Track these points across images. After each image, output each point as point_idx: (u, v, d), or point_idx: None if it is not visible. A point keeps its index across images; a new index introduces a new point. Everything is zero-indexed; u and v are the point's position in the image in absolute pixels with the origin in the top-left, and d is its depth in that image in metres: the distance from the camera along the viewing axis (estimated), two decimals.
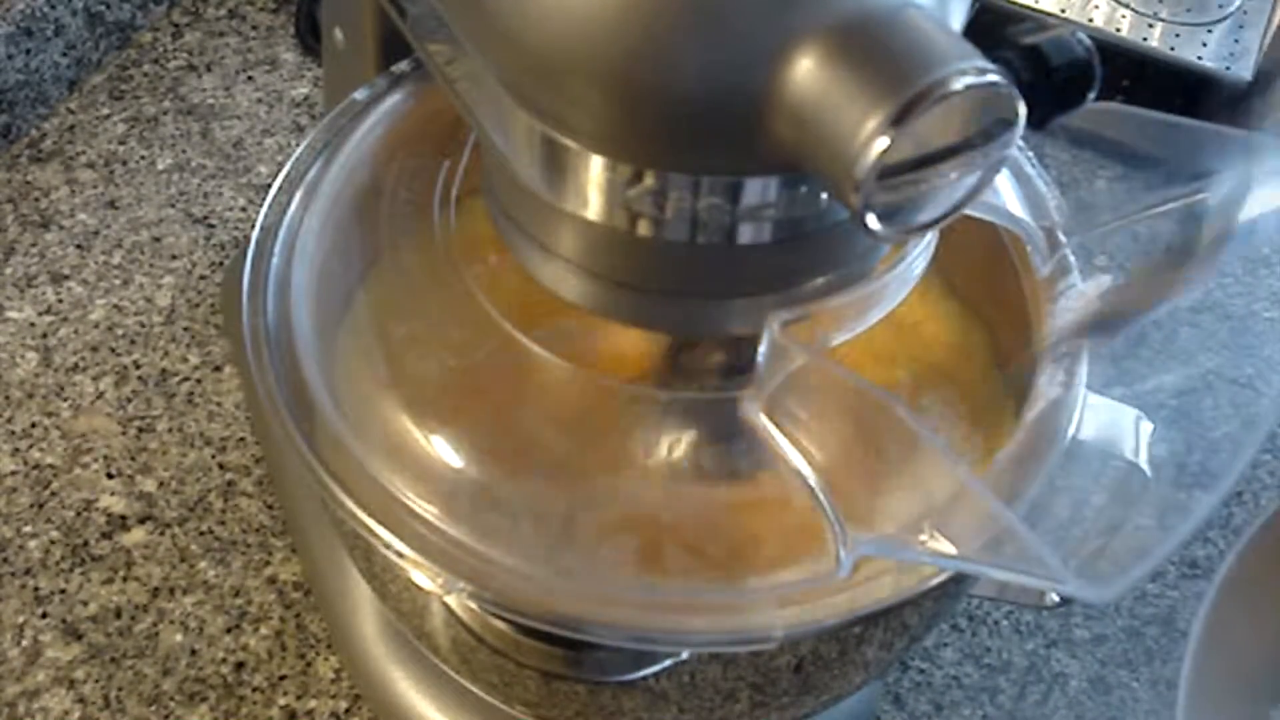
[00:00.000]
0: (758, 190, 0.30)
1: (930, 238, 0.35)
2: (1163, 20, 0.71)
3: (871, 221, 0.28)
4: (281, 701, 0.51)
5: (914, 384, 0.43)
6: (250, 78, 0.72)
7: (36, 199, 0.66)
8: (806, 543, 0.36)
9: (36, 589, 0.53)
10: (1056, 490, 0.36)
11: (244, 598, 0.54)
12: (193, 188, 0.67)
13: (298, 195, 0.42)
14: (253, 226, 0.41)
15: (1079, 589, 0.30)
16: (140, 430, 0.58)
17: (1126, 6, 0.71)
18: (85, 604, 0.53)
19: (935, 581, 0.36)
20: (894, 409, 0.32)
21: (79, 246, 0.64)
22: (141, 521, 0.55)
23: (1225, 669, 0.47)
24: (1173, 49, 0.70)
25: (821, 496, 0.32)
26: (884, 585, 0.35)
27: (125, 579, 0.54)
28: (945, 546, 0.32)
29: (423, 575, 0.36)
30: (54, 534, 0.55)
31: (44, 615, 0.53)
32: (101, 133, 0.69)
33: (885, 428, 0.33)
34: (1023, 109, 0.28)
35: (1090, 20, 0.71)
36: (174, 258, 0.64)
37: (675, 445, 0.40)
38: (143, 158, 0.68)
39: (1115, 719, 0.53)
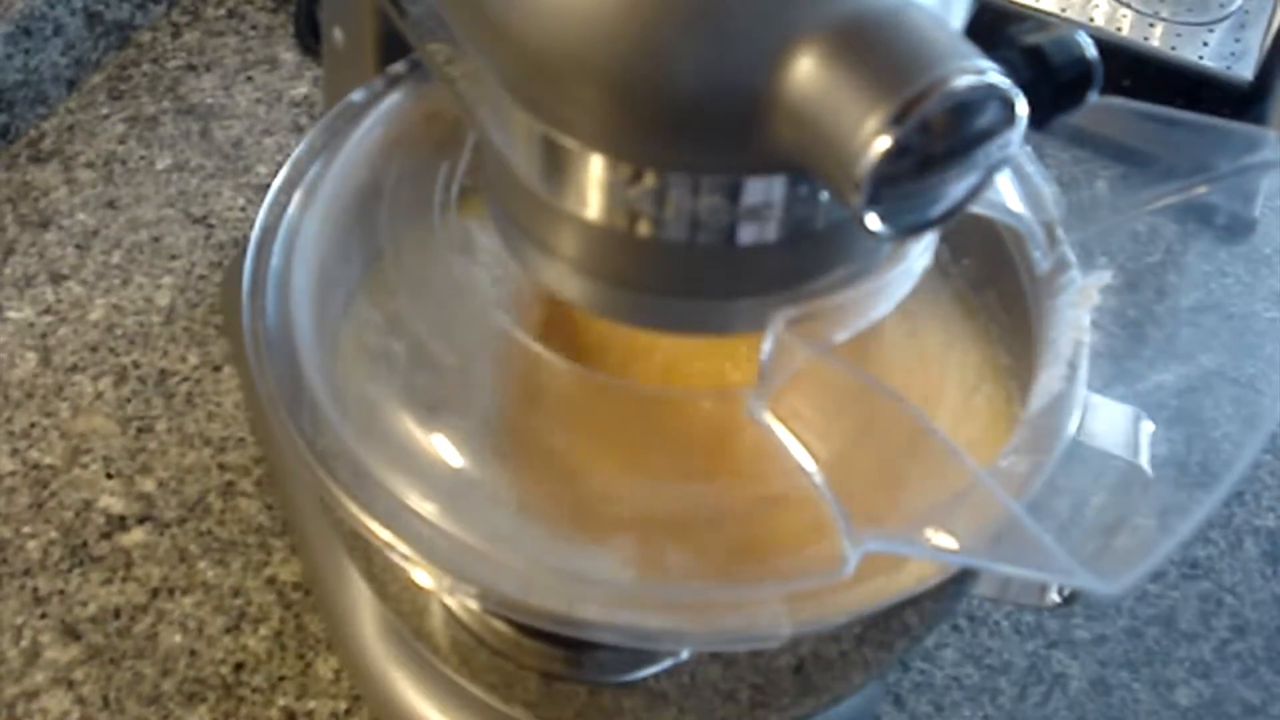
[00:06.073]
0: (758, 190, 0.30)
1: (933, 234, 0.35)
2: (1163, 20, 0.71)
3: (872, 221, 0.28)
4: (281, 702, 0.51)
5: (915, 381, 0.43)
6: (249, 77, 0.72)
7: (36, 199, 0.66)
8: (812, 540, 0.36)
9: (35, 589, 0.53)
10: (1057, 489, 0.36)
11: (243, 598, 0.53)
12: (192, 187, 0.67)
13: (297, 195, 0.42)
14: (252, 226, 0.41)
15: (1088, 581, 0.30)
16: (139, 430, 0.58)
17: (1127, 6, 0.71)
18: (84, 604, 0.53)
19: (936, 580, 0.36)
20: (900, 405, 0.32)
21: (78, 246, 0.64)
22: (141, 522, 0.55)
23: None
24: (1173, 49, 0.70)
25: (827, 493, 0.32)
26: (891, 583, 0.35)
27: (124, 579, 0.54)
28: (952, 542, 0.31)
29: (422, 574, 0.36)
30: (53, 534, 0.55)
31: (43, 616, 0.53)
32: (100, 133, 0.69)
33: (891, 424, 0.33)
34: (1024, 109, 0.28)
35: (1091, 20, 0.71)
36: (173, 257, 0.64)
37: (678, 443, 0.40)
38: (142, 157, 0.68)
39: None
